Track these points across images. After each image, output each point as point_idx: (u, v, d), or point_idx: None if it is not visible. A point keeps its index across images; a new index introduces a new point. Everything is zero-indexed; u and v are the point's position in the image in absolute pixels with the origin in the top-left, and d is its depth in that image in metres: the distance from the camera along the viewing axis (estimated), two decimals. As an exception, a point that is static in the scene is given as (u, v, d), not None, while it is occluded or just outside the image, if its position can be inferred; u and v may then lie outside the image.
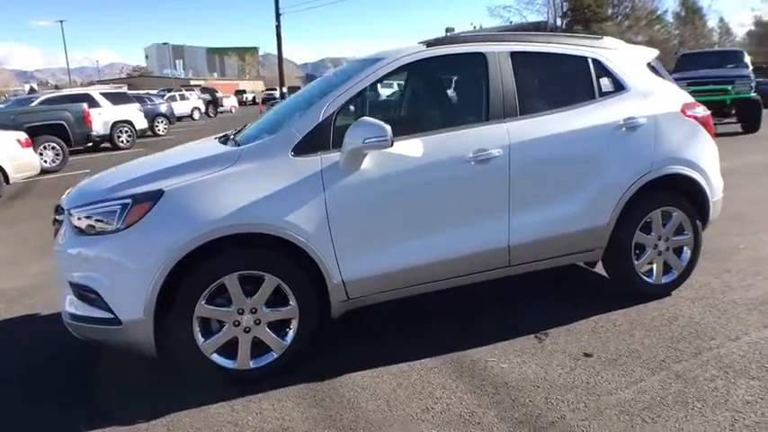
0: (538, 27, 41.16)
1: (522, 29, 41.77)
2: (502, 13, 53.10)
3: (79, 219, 2.89)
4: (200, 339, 2.86)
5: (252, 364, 2.96)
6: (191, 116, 32.08)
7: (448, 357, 3.12)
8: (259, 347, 2.97)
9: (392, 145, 2.90)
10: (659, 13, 37.84)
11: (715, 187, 3.80)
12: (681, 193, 3.69)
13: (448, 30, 56.31)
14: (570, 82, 3.60)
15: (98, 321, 2.84)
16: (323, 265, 2.96)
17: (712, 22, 42.20)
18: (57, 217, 3.25)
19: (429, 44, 3.35)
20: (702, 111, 3.79)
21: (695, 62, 14.14)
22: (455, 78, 3.46)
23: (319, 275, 2.99)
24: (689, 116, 3.71)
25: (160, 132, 21.91)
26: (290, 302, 2.95)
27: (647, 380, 2.78)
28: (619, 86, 3.62)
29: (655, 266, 3.72)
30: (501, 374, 2.91)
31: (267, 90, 59.70)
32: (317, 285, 3.01)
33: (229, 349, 2.93)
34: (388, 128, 2.86)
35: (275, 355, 2.99)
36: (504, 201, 3.28)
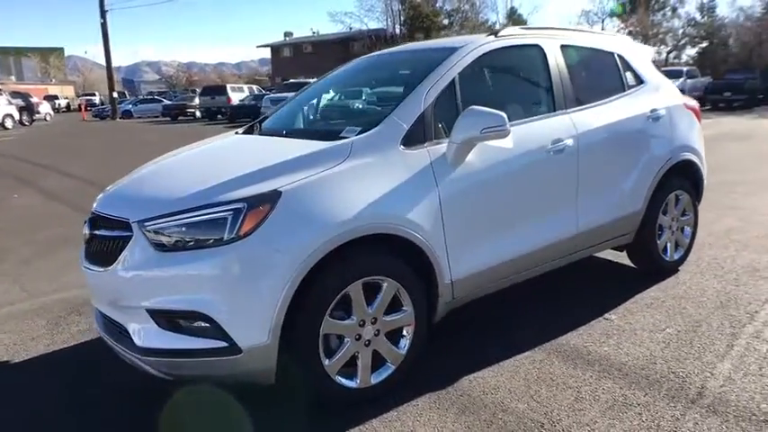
0: (378, 34, 42.62)
1: (363, 35, 43.00)
2: (343, 18, 54.16)
3: (164, 232, 2.37)
4: (325, 360, 2.51)
5: (373, 381, 2.67)
6: (2, 125, 27.75)
7: (546, 348, 3.12)
8: (374, 361, 2.70)
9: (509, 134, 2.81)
10: (489, 24, 41.39)
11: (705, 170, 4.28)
12: (687, 178, 4.09)
13: (287, 34, 55.93)
14: (605, 75, 3.82)
15: (204, 353, 2.35)
16: (437, 265, 2.78)
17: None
18: (95, 232, 2.63)
19: (496, 34, 3.32)
20: (695, 103, 4.24)
21: None
22: (522, 69, 3.46)
23: (431, 276, 2.80)
24: (689, 107, 4.13)
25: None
26: (406, 308, 2.72)
27: (741, 339, 3.05)
28: (639, 80, 3.92)
29: (669, 245, 4.08)
30: (611, 356, 2.99)
31: (85, 95, 53.98)
32: (427, 288, 2.81)
33: (346, 367, 2.62)
34: (506, 116, 2.77)
35: (393, 368, 2.73)
36: (574, 189, 3.37)
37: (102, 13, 32.71)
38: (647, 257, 4.03)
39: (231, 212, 2.34)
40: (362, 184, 2.58)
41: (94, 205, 2.80)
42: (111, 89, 34.83)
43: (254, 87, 33.71)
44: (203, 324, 2.34)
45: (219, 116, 30.50)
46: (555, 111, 3.35)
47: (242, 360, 2.34)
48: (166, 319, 2.39)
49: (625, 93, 3.80)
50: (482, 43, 3.19)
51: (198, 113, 32.45)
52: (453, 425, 2.47)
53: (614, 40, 4.01)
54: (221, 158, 2.95)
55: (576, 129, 3.35)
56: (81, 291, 4.18)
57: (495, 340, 3.23)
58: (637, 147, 3.72)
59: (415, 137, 2.78)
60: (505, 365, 2.96)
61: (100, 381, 3.00)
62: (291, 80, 28.56)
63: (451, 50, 3.13)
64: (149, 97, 44.76)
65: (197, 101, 32.88)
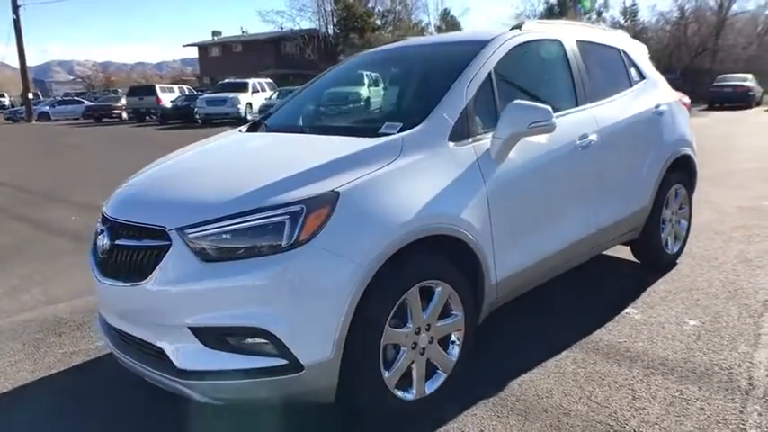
0: (310, 34, 42.13)
1: (295, 35, 42.36)
2: (274, 17, 53.09)
3: (210, 240, 2.12)
4: (384, 373, 2.33)
5: (427, 390, 2.52)
6: None
7: (582, 346, 3.08)
8: (426, 370, 2.54)
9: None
10: (422, 25, 41.88)
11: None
12: (685, 172, 4.19)
13: (215, 33, 54.24)
14: (614, 70, 3.84)
15: (259, 373, 2.11)
16: (485, 265, 2.66)
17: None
18: (117, 242, 2.33)
19: (519, 27, 3.24)
20: (687, 99, 4.35)
21: None
22: (547, 63, 3.39)
23: (477, 278, 2.68)
24: (683, 103, 4.23)
25: None
26: (456, 313, 2.58)
27: (764, 328, 3.12)
28: (641, 76, 3.98)
29: (669, 238, 4.16)
30: (650, 351, 2.98)
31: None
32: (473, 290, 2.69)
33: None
34: (551, 110, 2.69)
35: (444, 375, 2.58)
36: (599, 185, 3.35)
37: (15, 9, 30.41)
38: (651, 251, 4.09)
39: (288, 216, 2.12)
40: (417, 183, 2.42)
41: (109, 212, 2.48)
42: (27, 89, 32.44)
43: (185, 88, 32.45)
44: (260, 340, 2.10)
45: (149, 118, 29.16)
46: (578, 105, 3.32)
47: (303, 378, 2.12)
48: (214, 336, 2.13)
49: (632, 88, 3.83)
50: (511, 36, 3.11)
51: (125, 115, 30.90)
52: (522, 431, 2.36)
53: (617, 35, 4.05)
54: (252, 158, 2.70)
55: (598, 124, 3.34)
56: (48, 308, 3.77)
57: (528, 342, 3.15)
58: (646, 142, 3.76)
59: (459, 132, 2.65)
60: (549, 366, 2.88)
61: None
62: (228, 80, 27.60)
63: (482, 44, 3.02)
64: (68, 98, 42.13)
65: (123, 102, 31.27)
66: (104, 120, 31.02)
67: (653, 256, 4.11)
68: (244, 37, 53.04)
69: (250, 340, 2.13)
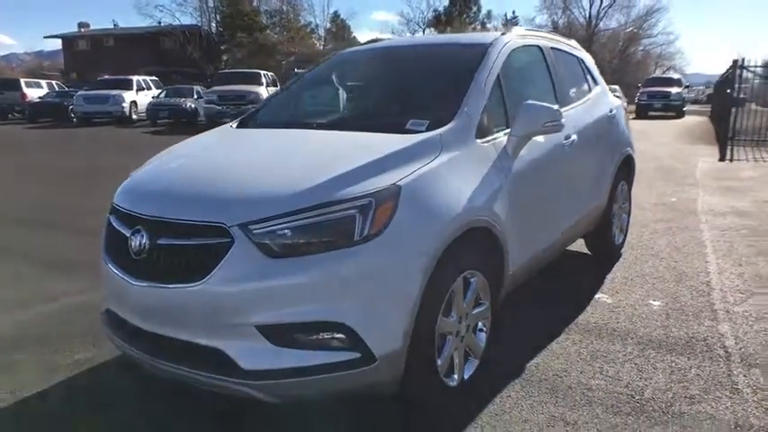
0: (192, 31, 40.32)
1: (175, 30, 40.33)
2: (153, 12, 50.08)
3: (277, 235, 2.08)
4: (438, 361, 2.41)
5: (465, 376, 2.63)
6: None
7: (574, 329, 3.34)
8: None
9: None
10: (312, 27, 41.73)
11: (632, 162, 4.90)
12: (628, 170, 4.66)
13: (81, 25, 50.06)
14: (577, 76, 4.18)
15: (332, 368, 2.10)
16: (507, 257, 2.82)
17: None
18: (160, 242, 2.20)
19: (504, 34, 3.42)
20: (625, 104, 4.85)
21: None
22: (532, 68, 3.61)
23: (500, 269, 2.83)
24: (624, 108, 4.71)
25: None
26: (485, 302, 2.72)
27: (717, 305, 3.59)
28: (595, 82, 4.37)
29: (616, 231, 4.61)
30: (634, 330, 3.32)
31: None
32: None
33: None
34: (560, 110, 2.91)
35: (476, 362, 2.71)
36: (579, 180, 3.66)
37: None
38: (603, 243, 4.50)
39: (357, 210, 2.13)
40: (457, 178, 2.52)
41: (142, 210, 2.30)
42: None
43: (54, 83, 29.64)
44: (334, 335, 2.09)
45: (11, 115, 26.27)
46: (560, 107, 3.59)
47: (374, 370, 2.14)
48: (284, 334, 2.08)
49: (591, 93, 4.22)
50: (508, 41, 3.30)
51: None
52: (557, 408, 2.54)
53: (573, 44, 4.41)
54: (293, 153, 2.62)
55: (575, 125, 3.64)
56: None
57: (527, 329, 3.35)
58: (605, 143, 4.15)
59: (481, 130, 2.79)
60: (554, 349, 3.10)
61: None
62: (108, 76, 25.60)
63: (484, 46, 3.18)
64: None
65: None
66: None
67: (605, 248, 4.53)
68: (117, 31, 49.54)
69: (321, 336, 2.11)
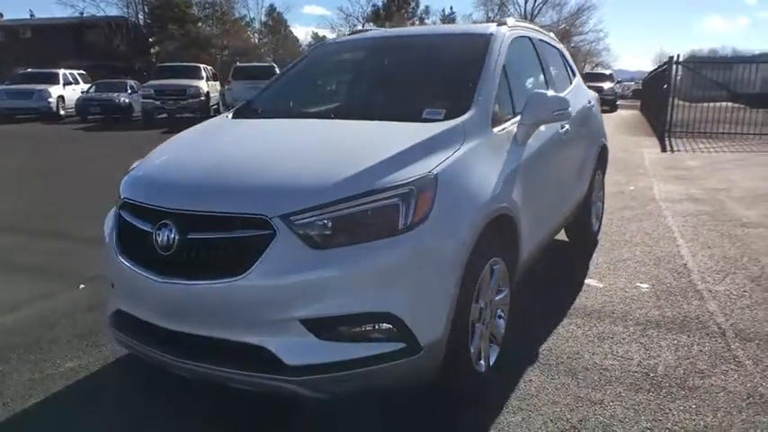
0: (118, 23, 38.49)
1: (100, 22, 38.40)
2: (74, 1, 47.35)
3: (320, 225, 2.01)
4: (471, 347, 2.41)
5: (491, 362, 2.65)
6: None
7: (573, 313, 3.43)
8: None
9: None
10: (247, 20, 40.72)
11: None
12: (604, 160, 4.83)
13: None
14: (561, 67, 4.28)
15: (378, 360, 2.06)
16: (521, 244, 2.86)
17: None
18: (192, 236, 2.09)
19: (499, 24, 3.45)
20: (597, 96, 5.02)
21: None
22: (527, 58, 3.64)
23: (516, 256, 2.87)
24: (598, 100, 4.88)
25: None
26: (504, 288, 2.75)
27: (698, 285, 3.78)
28: (573, 74, 4.49)
29: (594, 218, 4.77)
30: (631, 312, 3.44)
31: None
32: (510, 267, 2.88)
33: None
34: (569, 99, 2.97)
35: (498, 348, 2.73)
36: (572, 168, 3.76)
37: None
38: (583, 230, 4.64)
39: (399, 198, 2.09)
40: (482, 166, 2.53)
41: (167, 204, 2.16)
42: None
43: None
44: (384, 325, 2.05)
45: None
46: (552, 96, 3.68)
47: (418, 360, 2.11)
48: (330, 327, 2.03)
49: (572, 85, 4.33)
50: (506, 31, 3.33)
51: None
52: (581, 390, 2.60)
53: (553, 36, 4.51)
54: (321, 142, 2.54)
55: (567, 113, 3.72)
56: None
57: (531, 314, 3.40)
58: (588, 132, 4.29)
59: (495, 119, 2.81)
60: (562, 333, 3.18)
61: None
62: (32, 70, 23.98)
63: (485, 36, 3.20)
64: None
65: None
66: None
67: (584, 234, 4.68)
68: (34, 21, 46.46)
69: (367, 327, 2.06)
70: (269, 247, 1.99)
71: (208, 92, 19.30)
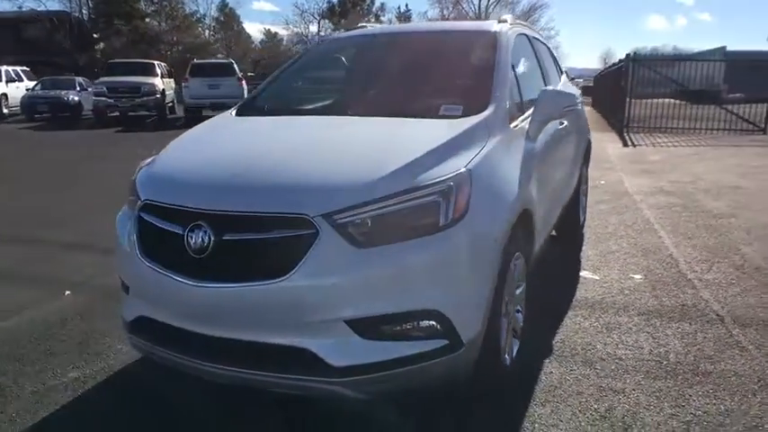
0: (61, 17, 36.86)
1: (41, 17, 36.70)
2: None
3: (363, 223, 1.99)
4: (501, 341, 2.43)
5: (514, 354, 2.67)
6: None
7: (576, 305, 3.50)
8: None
9: None
10: (198, 16, 39.66)
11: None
12: (587, 155, 4.95)
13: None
14: (552, 63, 4.35)
15: (422, 358, 2.05)
16: (536, 238, 2.90)
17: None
18: (227, 237, 2.02)
19: (507, 22, 3.49)
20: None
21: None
22: (526, 54, 3.67)
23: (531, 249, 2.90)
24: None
25: None
26: (521, 283, 2.78)
27: (688, 275, 3.92)
28: (560, 70, 4.58)
29: (581, 211, 4.89)
30: (631, 303, 3.54)
31: None
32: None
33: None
34: (579, 95, 3.03)
35: (518, 341, 2.76)
36: (569, 160, 3.84)
37: None
38: (571, 223, 4.73)
39: (439, 195, 2.08)
40: (507, 162, 2.55)
41: (198, 204, 2.07)
42: None
43: None
44: (429, 323, 2.04)
45: None
46: (548, 90, 3.74)
47: (460, 356, 2.12)
48: (374, 326, 2.00)
49: (561, 81, 4.41)
50: (509, 28, 3.36)
51: None
52: (601, 380, 2.66)
53: (541, 34, 4.59)
54: (348, 140, 2.48)
55: (562, 109, 3.80)
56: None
57: (537, 308, 3.45)
58: (577, 128, 4.37)
59: (510, 115, 2.83)
60: (569, 324, 3.24)
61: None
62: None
63: (491, 33, 3.22)
64: None
65: None
66: None
67: (572, 227, 4.78)
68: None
69: (411, 325, 2.04)
70: (312, 246, 1.94)
71: (163, 89, 18.70)
